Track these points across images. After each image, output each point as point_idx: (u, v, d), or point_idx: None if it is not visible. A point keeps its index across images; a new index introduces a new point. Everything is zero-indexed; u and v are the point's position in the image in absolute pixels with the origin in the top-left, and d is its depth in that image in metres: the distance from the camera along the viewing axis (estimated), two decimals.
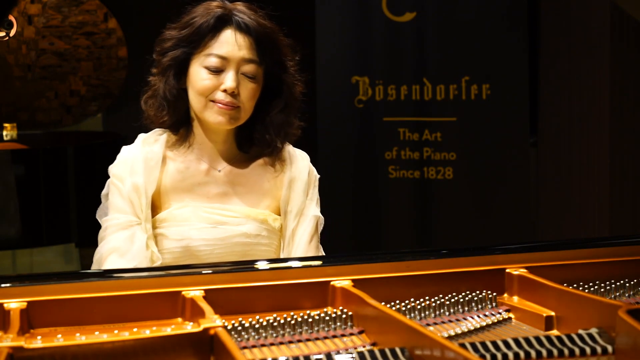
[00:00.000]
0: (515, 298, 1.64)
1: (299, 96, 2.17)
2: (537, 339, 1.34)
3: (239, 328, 1.44)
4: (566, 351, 1.33)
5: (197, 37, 2.05)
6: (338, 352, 1.34)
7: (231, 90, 2.03)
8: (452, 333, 1.48)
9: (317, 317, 1.50)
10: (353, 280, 1.59)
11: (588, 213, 4.42)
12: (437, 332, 1.48)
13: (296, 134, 2.19)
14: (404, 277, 1.62)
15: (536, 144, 4.66)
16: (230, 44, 2.04)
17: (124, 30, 5.09)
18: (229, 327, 1.43)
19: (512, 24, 4.50)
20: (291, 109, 2.16)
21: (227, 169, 2.14)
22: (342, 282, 1.59)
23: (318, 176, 2.23)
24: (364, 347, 1.42)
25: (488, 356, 1.30)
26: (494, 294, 1.63)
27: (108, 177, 2.15)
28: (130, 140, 2.19)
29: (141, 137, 2.17)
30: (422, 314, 1.56)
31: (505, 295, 1.66)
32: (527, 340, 1.34)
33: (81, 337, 1.34)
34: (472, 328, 1.52)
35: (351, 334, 1.48)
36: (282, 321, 1.47)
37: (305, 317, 1.49)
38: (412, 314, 1.56)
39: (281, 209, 2.16)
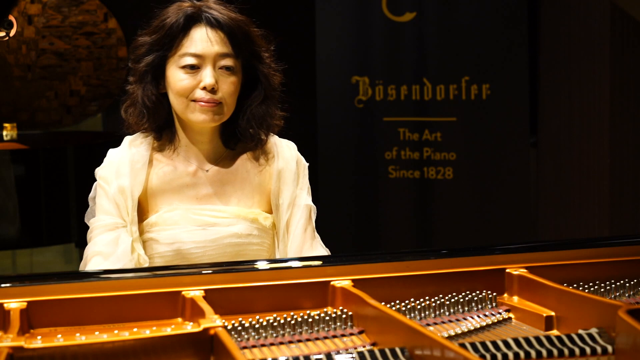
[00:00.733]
0: (515, 298, 1.64)
1: (278, 86, 2.16)
2: (537, 339, 1.34)
3: (239, 328, 1.44)
4: (566, 351, 1.33)
5: (169, 39, 2.04)
6: (338, 352, 1.34)
7: (210, 87, 2.01)
8: (452, 333, 1.48)
9: (317, 317, 1.50)
10: (353, 280, 1.59)
11: (588, 213, 4.42)
12: (437, 332, 1.48)
13: (279, 125, 2.17)
14: (404, 277, 1.62)
15: (536, 144, 4.66)
16: (203, 40, 2.03)
17: (124, 30, 5.09)
18: (229, 327, 1.43)
19: (512, 24, 4.50)
20: (271, 100, 2.14)
21: (214, 168, 2.13)
22: (342, 282, 1.59)
23: (307, 164, 2.21)
24: (364, 347, 1.42)
25: (488, 356, 1.30)
26: (494, 294, 1.63)
27: (103, 162, 2.15)
28: None
29: (127, 139, 2.16)
30: (422, 314, 1.56)
31: (505, 295, 1.66)
32: (527, 340, 1.34)
33: (81, 337, 1.34)
34: (472, 328, 1.52)
35: (351, 334, 1.48)
36: (282, 321, 1.47)
37: (305, 317, 1.49)
38: (412, 314, 1.56)
39: (272, 203, 2.15)
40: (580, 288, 1.65)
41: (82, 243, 5.17)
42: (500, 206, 4.59)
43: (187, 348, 1.33)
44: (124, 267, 1.99)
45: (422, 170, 4.71)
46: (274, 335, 1.46)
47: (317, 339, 1.46)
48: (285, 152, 2.17)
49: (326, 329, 1.50)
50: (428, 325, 1.53)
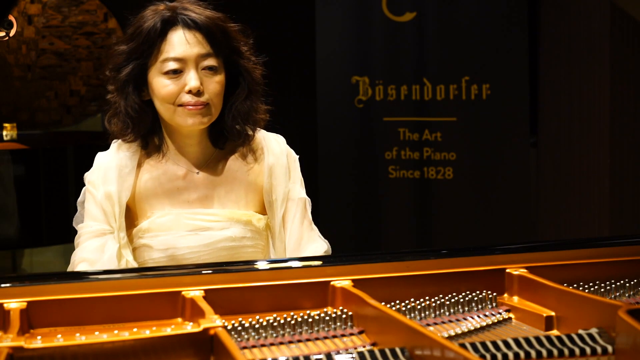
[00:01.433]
0: (515, 298, 1.64)
1: (261, 80, 2.13)
2: (537, 339, 1.34)
3: (239, 328, 1.44)
4: (566, 351, 1.33)
5: (147, 45, 2.01)
6: (338, 352, 1.34)
7: (196, 90, 1.99)
8: (452, 333, 1.48)
9: (317, 317, 1.50)
10: (353, 280, 1.59)
11: (588, 213, 4.42)
12: (437, 332, 1.48)
13: (265, 119, 2.15)
14: (404, 277, 1.62)
15: (536, 144, 4.66)
16: (182, 43, 2.00)
17: (124, 31, 5.08)
18: (229, 327, 1.43)
19: (512, 24, 4.50)
20: (255, 95, 2.11)
21: (205, 170, 2.11)
22: (342, 282, 1.59)
23: (297, 156, 2.19)
24: (364, 347, 1.42)
25: (488, 356, 1.30)
26: (494, 294, 1.63)
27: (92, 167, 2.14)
28: None
29: (116, 143, 2.14)
30: (422, 314, 1.56)
31: (505, 295, 1.66)
32: (527, 340, 1.34)
33: (81, 337, 1.34)
34: (472, 328, 1.52)
35: (351, 334, 1.48)
36: (282, 321, 1.47)
37: (305, 317, 1.49)
38: (412, 314, 1.56)
39: (265, 200, 2.13)
40: (580, 288, 1.65)
41: None
42: (500, 206, 4.59)
43: (187, 348, 1.33)
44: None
45: (422, 170, 4.71)
46: (274, 335, 1.46)
47: (317, 339, 1.46)
48: (274, 147, 2.15)
49: (326, 329, 1.50)
50: (428, 325, 1.53)
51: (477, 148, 4.61)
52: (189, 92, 1.99)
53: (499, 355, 1.30)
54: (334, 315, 1.51)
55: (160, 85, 2.01)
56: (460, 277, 1.64)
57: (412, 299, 1.58)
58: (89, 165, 2.16)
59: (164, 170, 2.10)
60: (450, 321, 1.55)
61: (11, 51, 5.07)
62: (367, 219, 4.79)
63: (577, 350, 1.34)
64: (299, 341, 1.45)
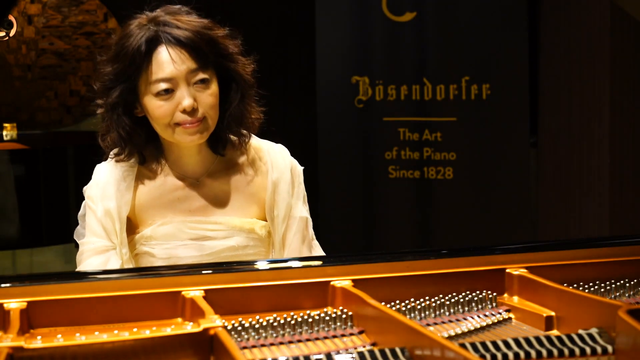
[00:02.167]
0: (515, 298, 1.64)
1: (252, 81, 2.08)
2: (537, 339, 1.34)
3: (239, 328, 1.44)
4: (566, 351, 1.33)
5: (134, 68, 1.95)
6: (338, 352, 1.34)
7: (190, 108, 1.94)
8: (452, 333, 1.48)
9: (317, 317, 1.50)
10: (353, 280, 1.59)
11: (588, 213, 4.42)
12: (437, 332, 1.48)
13: (259, 119, 2.11)
14: (404, 277, 1.62)
15: (536, 144, 4.66)
16: (169, 63, 1.94)
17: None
18: (229, 327, 1.43)
19: (512, 24, 4.50)
20: (248, 97, 2.08)
21: (205, 179, 2.08)
22: (342, 282, 1.58)
23: (301, 169, 2.16)
24: (364, 347, 1.42)
25: (488, 356, 1.30)
26: (494, 294, 1.63)
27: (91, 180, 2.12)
28: None
29: (114, 154, 2.09)
30: (422, 314, 1.56)
31: (505, 295, 1.66)
32: (527, 340, 1.34)
33: (81, 337, 1.34)
34: (472, 328, 1.52)
35: (351, 334, 1.48)
36: (282, 321, 1.47)
37: (305, 317, 1.49)
38: (412, 314, 1.55)
39: (267, 214, 2.10)
40: (580, 288, 1.65)
41: None
42: (500, 206, 4.59)
43: (187, 348, 1.33)
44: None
45: (422, 170, 4.71)
46: (274, 335, 1.46)
47: (317, 339, 1.46)
48: (279, 162, 2.12)
49: (326, 329, 1.50)
50: (428, 325, 1.52)
51: (477, 148, 4.61)
52: (183, 111, 1.95)
53: (499, 355, 1.30)
54: (334, 315, 1.51)
55: (154, 106, 1.97)
56: (460, 277, 1.64)
57: (412, 299, 1.58)
58: (89, 165, 2.14)
59: (164, 181, 2.08)
60: (450, 321, 1.55)
61: (11, 51, 5.08)
62: (367, 219, 4.79)
63: (577, 350, 1.34)
64: (299, 341, 1.45)
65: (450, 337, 1.46)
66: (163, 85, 1.95)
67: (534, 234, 4.61)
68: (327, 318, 1.50)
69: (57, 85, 5.17)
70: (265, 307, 1.55)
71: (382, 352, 1.30)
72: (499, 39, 4.52)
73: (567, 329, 1.49)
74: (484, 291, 1.63)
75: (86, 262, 2.04)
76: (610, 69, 4.23)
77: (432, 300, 1.58)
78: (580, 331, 1.39)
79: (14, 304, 1.45)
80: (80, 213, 2.14)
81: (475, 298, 1.61)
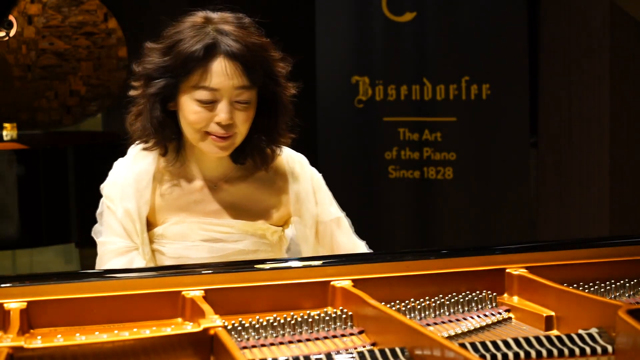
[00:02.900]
0: (515, 298, 1.64)
1: (290, 108, 2.08)
2: (537, 339, 1.34)
3: (239, 328, 1.44)
4: (566, 351, 1.33)
5: (185, 69, 1.93)
6: (338, 352, 1.34)
7: (226, 123, 1.94)
8: (452, 333, 1.48)
9: (317, 317, 1.50)
10: (353, 280, 1.59)
11: (588, 213, 4.42)
12: (437, 332, 1.48)
13: (289, 139, 2.11)
14: (404, 277, 1.62)
15: (536, 144, 4.66)
16: (220, 74, 1.92)
17: (124, 30, 5.09)
18: (229, 327, 1.43)
19: (512, 24, 4.50)
20: (284, 117, 2.07)
21: (223, 185, 2.08)
22: (342, 282, 1.59)
23: (320, 175, 2.16)
24: (364, 347, 1.42)
25: (488, 356, 1.30)
26: (494, 294, 1.63)
27: (108, 176, 2.11)
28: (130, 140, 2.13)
29: (132, 151, 2.08)
30: (422, 314, 1.56)
31: (505, 295, 1.66)
32: (527, 340, 1.34)
33: (81, 337, 1.34)
34: (472, 328, 1.52)
35: (351, 334, 1.48)
36: (282, 321, 1.47)
37: (305, 317, 1.49)
38: (412, 314, 1.56)
39: (294, 223, 2.11)
40: (580, 288, 1.65)
41: (82, 243, 5.18)
42: (500, 206, 4.58)
43: (187, 348, 1.33)
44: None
45: (422, 170, 4.71)
46: (274, 335, 1.46)
47: (317, 339, 1.46)
48: (298, 172, 2.12)
49: (326, 329, 1.50)
50: (428, 325, 1.53)
51: (477, 148, 4.61)
52: (218, 123, 1.94)
53: (499, 355, 1.30)
54: (334, 315, 1.51)
55: (191, 110, 1.95)
56: (460, 277, 1.64)
57: (412, 299, 1.58)
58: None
59: (181, 183, 2.07)
60: (450, 321, 1.55)
61: (11, 51, 5.08)
62: (367, 219, 4.78)
63: (577, 350, 1.34)
64: (299, 341, 1.45)
65: (450, 337, 1.46)
66: (206, 95, 1.93)
67: (534, 234, 4.61)
68: (327, 318, 1.50)
69: (57, 85, 5.17)
70: (265, 307, 1.55)
71: (382, 352, 1.30)
72: (499, 39, 4.52)
73: (567, 329, 1.49)
74: (484, 291, 1.63)
75: (108, 263, 2.01)
76: (610, 69, 4.23)
77: (432, 300, 1.58)
78: (580, 331, 1.40)
79: (14, 304, 1.45)
80: (98, 211, 2.11)
81: (475, 298, 1.61)
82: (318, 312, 1.52)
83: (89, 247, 4.90)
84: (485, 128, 4.59)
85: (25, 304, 1.45)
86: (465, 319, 1.56)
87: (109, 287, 1.51)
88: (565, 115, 4.50)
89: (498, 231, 4.57)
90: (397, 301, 1.58)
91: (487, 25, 4.54)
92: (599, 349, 1.34)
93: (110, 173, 2.09)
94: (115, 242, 2.02)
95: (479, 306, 1.60)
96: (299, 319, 1.48)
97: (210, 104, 1.94)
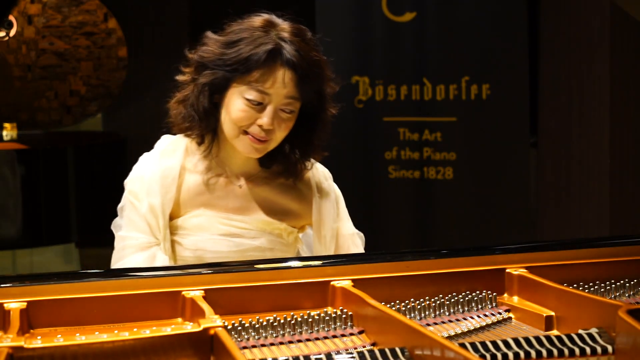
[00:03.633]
0: (515, 298, 1.64)
1: (329, 128, 2.11)
2: (537, 339, 1.34)
3: (239, 328, 1.44)
4: (566, 351, 1.33)
5: (244, 68, 1.95)
6: (338, 352, 1.34)
7: (267, 127, 1.96)
8: (452, 333, 1.48)
9: (317, 317, 1.50)
10: (353, 280, 1.59)
11: (588, 213, 4.42)
12: (437, 332, 1.48)
13: (321, 155, 2.14)
14: (404, 277, 1.62)
15: (536, 144, 4.66)
16: (276, 80, 1.95)
17: (124, 30, 5.09)
18: (229, 327, 1.43)
19: (512, 24, 4.50)
20: (322, 134, 2.10)
21: (247, 185, 2.10)
22: (342, 282, 1.59)
23: (340, 192, 2.23)
24: (364, 347, 1.42)
25: (488, 356, 1.30)
26: (494, 294, 1.63)
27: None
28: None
29: (160, 147, 2.09)
30: (422, 314, 1.56)
31: (505, 295, 1.66)
32: (527, 340, 1.34)
33: (81, 337, 1.34)
34: (472, 328, 1.52)
35: (351, 334, 1.48)
36: (282, 321, 1.47)
37: (305, 317, 1.49)
38: (412, 314, 1.56)
39: (314, 233, 2.13)
40: (580, 288, 1.65)
41: (82, 243, 5.17)
42: (500, 206, 4.59)
43: (187, 348, 1.33)
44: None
45: (422, 170, 4.71)
46: (274, 335, 1.46)
47: (317, 339, 1.46)
48: (322, 183, 2.16)
49: (326, 329, 1.50)
50: (428, 325, 1.53)
51: (477, 148, 4.61)
52: (260, 126, 1.96)
53: (499, 355, 1.30)
54: (334, 315, 1.51)
55: (237, 107, 1.97)
56: (460, 277, 1.65)
57: (412, 299, 1.58)
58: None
59: (206, 179, 2.08)
60: (450, 321, 1.55)
61: (11, 51, 5.08)
62: (367, 219, 4.78)
63: (577, 350, 1.34)
64: (299, 341, 1.45)
65: (450, 337, 1.46)
66: (257, 96, 1.95)
67: (534, 234, 4.61)
68: (327, 318, 1.50)
69: (57, 85, 5.17)
70: (265, 307, 1.55)
71: (382, 352, 1.30)
72: (499, 39, 4.52)
73: (567, 329, 1.49)
74: (484, 291, 1.63)
75: (130, 257, 2.01)
76: (610, 69, 4.23)
77: (432, 300, 1.58)
78: (580, 331, 1.40)
79: (14, 304, 1.45)
80: (119, 206, 2.11)
81: (475, 298, 1.61)
82: (318, 312, 1.52)
83: (89, 247, 4.93)
84: (485, 128, 4.59)
85: (25, 304, 1.45)
86: (465, 319, 1.56)
87: (109, 287, 1.51)
88: (565, 115, 4.50)
89: (498, 231, 4.57)
90: (397, 301, 1.58)
91: (487, 25, 4.54)
92: (599, 349, 1.34)
93: (135, 167, 2.09)
94: (137, 237, 2.02)
95: (479, 306, 1.60)
96: (299, 319, 1.48)
97: (257, 106, 1.96)
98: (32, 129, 5.17)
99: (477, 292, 1.62)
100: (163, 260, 2.00)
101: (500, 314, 1.59)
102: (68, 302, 1.48)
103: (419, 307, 1.57)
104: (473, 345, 1.32)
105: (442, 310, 1.58)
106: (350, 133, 4.77)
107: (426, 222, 4.73)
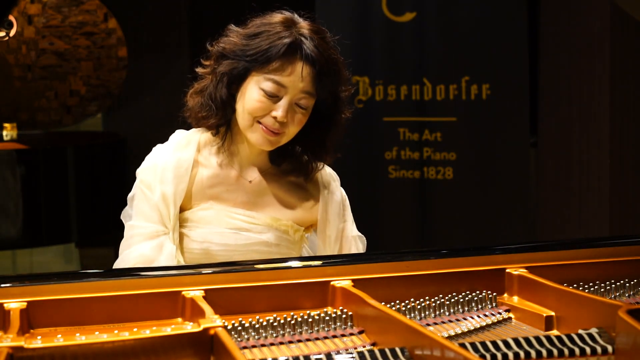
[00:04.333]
0: (515, 298, 1.64)
1: (343, 129, 2.16)
2: (537, 339, 1.34)
3: (239, 328, 1.44)
4: (566, 351, 1.33)
5: (263, 58, 1.99)
6: (338, 352, 1.34)
7: (281, 120, 1.99)
8: (452, 333, 1.48)
9: (317, 317, 1.50)
10: (353, 280, 1.59)
11: (588, 213, 4.42)
12: (437, 332, 1.49)
13: (332, 158, 2.17)
14: (404, 277, 1.62)
15: (536, 144, 4.67)
16: (294, 74, 1.99)
17: (124, 30, 5.09)
18: (229, 327, 1.43)
19: (512, 24, 4.50)
20: (333, 136, 2.14)
21: (257, 180, 2.12)
22: (342, 282, 1.59)
23: (346, 196, 2.25)
24: (364, 347, 1.42)
25: (488, 356, 1.30)
26: (494, 294, 1.63)
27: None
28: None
29: (174, 140, 2.12)
30: (422, 314, 1.56)
31: (505, 295, 1.66)
32: (527, 340, 1.34)
33: (81, 337, 1.34)
34: (472, 328, 1.52)
35: (351, 334, 1.48)
36: (282, 321, 1.47)
37: (305, 317, 1.49)
38: (412, 314, 1.56)
39: (319, 233, 2.16)
40: (580, 288, 1.65)
41: (82, 243, 5.16)
42: (500, 206, 4.59)
43: (187, 348, 1.33)
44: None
45: (422, 170, 4.71)
46: (274, 335, 1.46)
47: (317, 339, 1.46)
48: (331, 184, 2.19)
49: (326, 329, 1.50)
50: (428, 325, 1.53)
51: (477, 148, 4.61)
52: (274, 117, 2.00)
53: (499, 355, 1.30)
54: (334, 315, 1.51)
55: (253, 96, 2.00)
56: (460, 277, 1.65)
57: (412, 299, 1.58)
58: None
59: (217, 172, 2.10)
60: (450, 321, 1.55)
61: (11, 51, 5.08)
62: (367, 219, 4.78)
63: (577, 350, 1.34)
64: (299, 341, 1.45)
65: (450, 337, 1.46)
66: (273, 88, 1.99)
67: (534, 234, 4.61)
68: (327, 318, 1.50)
69: (57, 85, 5.17)
70: (265, 307, 1.55)
71: (382, 352, 1.30)
72: (499, 39, 4.52)
73: (567, 329, 1.49)
74: (484, 291, 1.63)
75: (137, 246, 2.03)
76: (610, 69, 4.23)
77: (432, 300, 1.58)
78: (580, 331, 1.40)
79: (14, 304, 1.45)
80: (129, 195, 2.13)
81: (475, 298, 1.61)
82: (318, 312, 1.52)
83: (89, 247, 4.92)
84: (485, 128, 4.59)
85: (25, 304, 1.45)
86: (465, 319, 1.56)
87: (109, 287, 1.51)
88: (565, 115, 4.50)
89: (498, 231, 4.57)
90: (397, 301, 1.58)
91: (487, 25, 4.54)
92: (599, 349, 1.34)
93: (148, 157, 2.11)
94: (146, 226, 2.04)
95: (479, 306, 1.60)
96: (299, 319, 1.48)
97: (273, 98, 2.00)
98: (32, 129, 5.17)
99: (477, 292, 1.62)
100: (170, 249, 2.02)
101: (500, 314, 1.59)
102: (68, 302, 1.48)
103: (419, 307, 1.57)
104: (473, 345, 1.32)
105: (442, 310, 1.58)
106: (350, 133, 4.75)
107: (426, 222, 4.73)
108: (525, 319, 1.57)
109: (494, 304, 1.62)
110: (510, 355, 1.30)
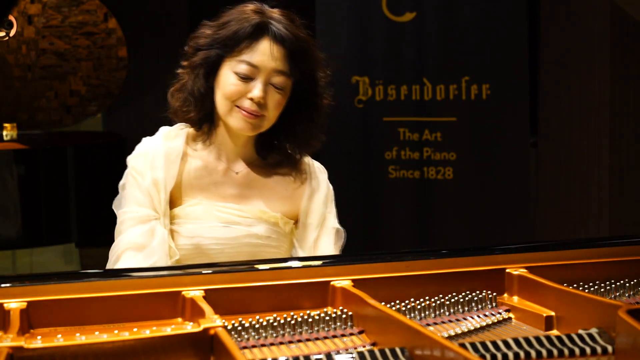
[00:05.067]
0: (515, 298, 1.64)
1: (325, 110, 2.18)
2: (537, 339, 1.34)
3: (239, 328, 1.44)
4: (566, 351, 1.33)
5: (232, 41, 2.04)
6: (338, 352, 1.34)
7: (257, 100, 2.03)
8: (452, 333, 1.48)
9: (317, 317, 1.50)
10: (353, 280, 1.59)
11: (588, 213, 4.42)
12: (437, 332, 1.48)
13: (316, 146, 2.20)
14: (404, 277, 1.62)
15: (536, 144, 4.66)
16: (264, 53, 2.04)
17: (124, 30, 5.09)
18: (229, 327, 1.43)
19: (512, 24, 4.50)
20: (316, 123, 2.17)
21: (244, 172, 2.15)
22: (342, 282, 1.59)
23: (332, 190, 2.25)
24: (364, 347, 1.42)
25: (488, 356, 1.30)
26: (494, 294, 1.63)
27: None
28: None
29: (163, 131, 2.16)
30: (422, 314, 1.56)
31: (505, 295, 1.66)
32: (527, 340, 1.34)
33: (81, 337, 1.34)
34: (472, 328, 1.52)
35: (351, 334, 1.48)
36: (282, 321, 1.47)
37: (305, 317, 1.49)
38: (412, 314, 1.56)
39: (300, 221, 2.17)
40: (580, 288, 1.65)
41: (82, 243, 5.16)
42: (500, 206, 4.58)
43: (187, 348, 1.33)
44: (159, 260, 1.99)
45: (422, 170, 4.70)
46: (274, 335, 1.46)
47: (317, 339, 1.46)
48: (318, 176, 2.21)
49: (326, 329, 1.50)
50: (428, 325, 1.53)
51: (477, 148, 4.61)
52: (251, 99, 2.03)
53: (499, 355, 1.30)
54: (334, 315, 1.51)
55: (228, 81, 2.05)
56: (460, 277, 1.65)
57: (412, 299, 1.58)
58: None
59: (206, 164, 2.13)
60: (450, 321, 1.55)
61: (11, 51, 5.08)
62: (367, 219, 4.78)
63: (577, 350, 1.34)
64: (299, 341, 1.45)
65: (450, 337, 1.46)
66: (245, 69, 2.03)
67: (534, 234, 4.61)
68: (327, 318, 1.50)
69: (57, 85, 5.17)
70: (265, 307, 1.55)
71: (382, 352, 1.30)
72: (499, 39, 4.52)
73: (567, 329, 1.49)
74: (484, 291, 1.63)
75: (129, 230, 2.04)
76: (610, 69, 4.23)
77: (432, 300, 1.58)
78: (580, 331, 1.40)
79: (14, 304, 1.45)
80: (120, 183, 2.15)
81: (475, 298, 1.61)
82: (318, 312, 1.52)
83: (89, 247, 4.92)
84: (485, 128, 4.59)
85: (25, 304, 1.45)
86: (465, 319, 1.56)
87: (109, 287, 1.51)
88: (565, 115, 4.50)
89: (498, 231, 4.57)
90: (397, 301, 1.58)
91: (487, 25, 4.54)
92: (599, 349, 1.34)
93: (139, 146, 2.14)
94: (137, 210, 2.06)
95: (479, 306, 1.60)
96: (299, 319, 1.48)
97: (247, 80, 2.04)
98: (32, 129, 5.17)
99: (477, 292, 1.62)
100: (162, 234, 2.03)
101: (500, 314, 1.59)
102: (68, 302, 1.48)
103: (419, 307, 1.57)
104: (473, 345, 1.32)
105: (442, 310, 1.58)
106: (350, 133, 4.77)
107: (426, 222, 4.73)
108: (525, 319, 1.57)
109: (494, 304, 1.62)
110: (510, 355, 1.30)
